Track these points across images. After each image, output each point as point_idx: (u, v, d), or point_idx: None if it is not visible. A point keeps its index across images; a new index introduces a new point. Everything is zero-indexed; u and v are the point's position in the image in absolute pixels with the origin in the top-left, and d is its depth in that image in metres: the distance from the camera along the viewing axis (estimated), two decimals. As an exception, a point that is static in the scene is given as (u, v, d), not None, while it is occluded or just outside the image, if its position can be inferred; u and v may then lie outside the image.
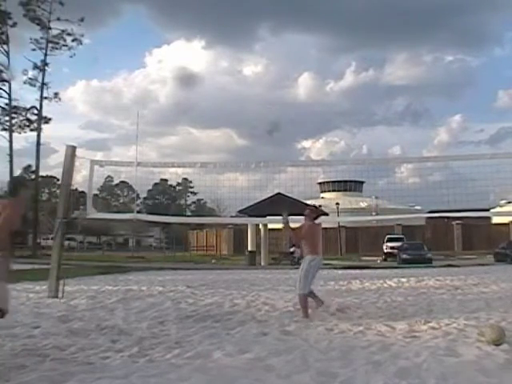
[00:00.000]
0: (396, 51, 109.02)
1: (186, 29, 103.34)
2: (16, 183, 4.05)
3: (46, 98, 34.98)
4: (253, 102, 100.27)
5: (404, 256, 25.69)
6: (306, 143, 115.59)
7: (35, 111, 34.78)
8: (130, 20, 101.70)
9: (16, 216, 3.66)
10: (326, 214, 30.08)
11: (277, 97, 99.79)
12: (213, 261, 30.53)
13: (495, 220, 37.25)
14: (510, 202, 31.11)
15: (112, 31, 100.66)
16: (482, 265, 21.70)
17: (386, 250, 31.28)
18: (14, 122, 34.52)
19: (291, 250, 28.70)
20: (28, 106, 35.21)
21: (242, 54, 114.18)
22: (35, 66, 34.72)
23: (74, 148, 8.97)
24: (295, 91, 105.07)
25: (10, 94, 34.15)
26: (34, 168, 37.87)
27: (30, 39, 34.50)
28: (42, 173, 42.88)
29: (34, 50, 34.68)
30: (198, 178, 10.28)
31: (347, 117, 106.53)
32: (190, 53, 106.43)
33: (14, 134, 34.38)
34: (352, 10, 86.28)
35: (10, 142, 33.90)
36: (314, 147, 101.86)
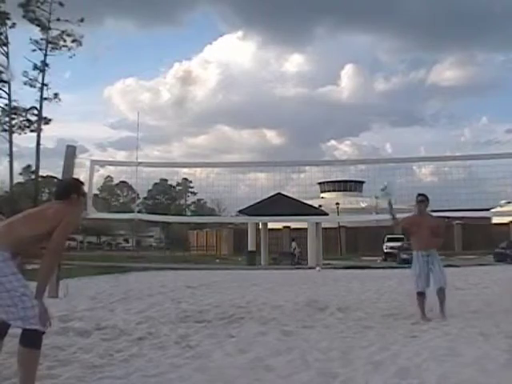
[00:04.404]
0: (444, 53, 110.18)
1: (236, 26, 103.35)
2: (67, 185, 3.44)
3: (45, 98, 35.04)
4: (294, 102, 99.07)
5: (404, 256, 25.66)
6: (338, 143, 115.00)
7: (40, 112, 34.85)
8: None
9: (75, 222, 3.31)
10: (326, 214, 30.17)
11: (319, 95, 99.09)
12: (217, 260, 30.69)
13: (495, 220, 37.23)
14: (509, 202, 31.08)
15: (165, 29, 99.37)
16: (482, 265, 21.69)
17: (385, 250, 31.29)
18: (13, 122, 34.58)
19: (291, 249, 28.74)
20: (28, 107, 35.31)
21: (289, 53, 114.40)
22: (35, 67, 34.77)
23: (74, 148, 8.99)
24: (339, 91, 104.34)
25: (9, 95, 34.21)
26: (48, 169, 38.06)
27: (30, 40, 34.57)
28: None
29: (34, 50, 34.75)
30: (198, 178, 10.25)
31: (382, 117, 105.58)
32: (236, 51, 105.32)
33: (30, 134, 34.63)
34: (406, 11, 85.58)
35: (10, 142, 34.00)
36: (345, 147, 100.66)
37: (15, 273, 2.95)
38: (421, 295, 6.23)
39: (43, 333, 3.00)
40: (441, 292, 6.20)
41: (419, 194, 6.52)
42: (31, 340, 2.97)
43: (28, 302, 2.91)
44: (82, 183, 3.48)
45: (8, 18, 33.31)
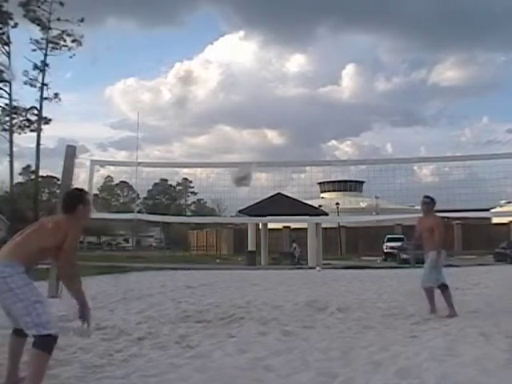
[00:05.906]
0: (445, 53, 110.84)
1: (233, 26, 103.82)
2: (73, 198, 3.39)
3: (45, 98, 35.08)
4: (294, 102, 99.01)
5: (404, 256, 25.69)
6: (339, 143, 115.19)
7: (41, 112, 34.91)
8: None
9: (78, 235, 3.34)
10: (326, 214, 30.15)
11: (320, 95, 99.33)
12: (217, 260, 30.69)
13: (495, 220, 37.22)
14: (509, 202, 31.10)
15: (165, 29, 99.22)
16: (482, 265, 21.68)
17: (385, 250, 31.28)
18: (14, 122, 34.62)
19: (291, 249, 28.73)
20: (28, 107, 35.36)
21: (290, 53, 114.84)
22: (35, 67, 34.81)
23: (74, 148, 8.98)
24: (340, 91, 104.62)
25: (10, 95, 34.24)
26: (48, 169, 38.12)
27: (30, 39, 34.63)
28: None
29: (34, 50, 34.80)
30: (198, 178, 10.26)
31: (383, 117, 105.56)
32: (237, 51, 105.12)
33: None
34: (407, 11, 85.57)
35: (10, 142, 34.03)
36: (345, 147, 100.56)
37: (28, 283, 3.04)
38: (425, 291, 6.47)
39: (56, 338, 3.06)
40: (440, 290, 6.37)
41: (424, 196, 6.59)
42: (44, 344, 2.98)
43: (41, 308, 2.99)
44: (86, 193, 3.54)
45: (11, 18, 33.38)
